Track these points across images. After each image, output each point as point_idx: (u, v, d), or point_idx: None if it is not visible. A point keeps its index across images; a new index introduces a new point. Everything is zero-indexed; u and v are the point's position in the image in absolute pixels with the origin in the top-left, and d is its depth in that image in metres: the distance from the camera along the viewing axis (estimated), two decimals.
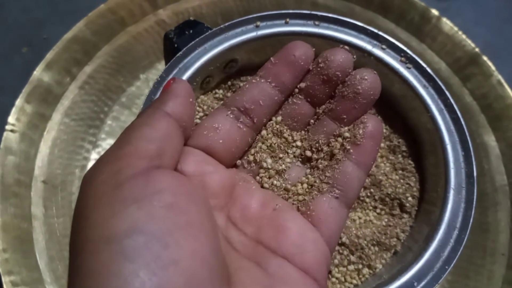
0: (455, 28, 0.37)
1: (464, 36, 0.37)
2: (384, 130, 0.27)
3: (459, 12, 0.43)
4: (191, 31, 0.26)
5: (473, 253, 0.32)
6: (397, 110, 0.27)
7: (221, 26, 0.25)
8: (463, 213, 0.22)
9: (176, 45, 0.25)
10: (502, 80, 0.35)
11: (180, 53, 0.24)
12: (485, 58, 0.36)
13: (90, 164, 0.34)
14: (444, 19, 0.37)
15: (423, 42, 0.37)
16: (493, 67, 0.36)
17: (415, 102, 0.25)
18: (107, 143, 0.34)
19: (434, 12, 0.37)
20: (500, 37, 0.42)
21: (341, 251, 0.23)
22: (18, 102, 0.33)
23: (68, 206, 0.32)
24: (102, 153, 0.33)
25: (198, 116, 0.26)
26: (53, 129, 0.33)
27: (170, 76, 0.24)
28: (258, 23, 0.25)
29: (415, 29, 0.37)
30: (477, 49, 0.36)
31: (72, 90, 0.34)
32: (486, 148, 0.35)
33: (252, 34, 0.25)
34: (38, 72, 0.33)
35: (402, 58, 0.25)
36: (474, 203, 0.22)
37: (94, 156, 0.34)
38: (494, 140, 0.35)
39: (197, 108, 0.26)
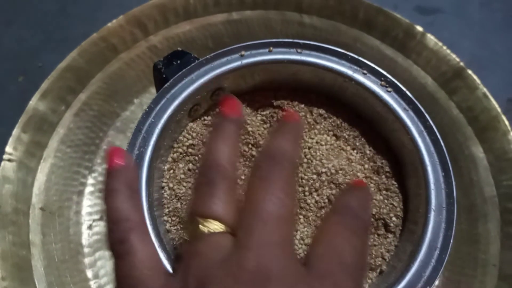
0: (440, 43, 0.37)
1: (448, 51, 0.37)
2: (368, 151, 0.28)
3: (444, 25, 0.44)
4: (178, 62, 0.27)
5: (465, 264, 0.33)
6: (379, 132, 0.28)
7: (207, 56, 0.26)
8: (443, 233, 0.23)
9: (164, 75, 0.26)
10: (487, 93, 0.36)
11: (167, 84, 0.25)
12: (469, 71, 0.37)
13: (87, 190, 0.34)
14: (429, 35, 0.38)
15: (408, 58, 0.38)
16: (478, 80, 0.36)
17: (396, 124, 0.26)
18: (103, 167, 0.35)
19: (418, 28, 0.38)
20: (486, 49, 0.43)
21: None
22: (15, 131, 0.33)
23: (65, 232, 0.33)
24: (99, 178, 0.34)
25: (187, 144, 0.27)
26: (49, 156, 0.34)
27: (158, 107, 0.25)
28: (243, 52, 0.26)
29: (400, 45, 0.38)
30: (461, 63, 0.37)
31: (67, 118, 0.35)
32: (474, 159, 0.35)
33: (237, 63, 0.26)
34: (33, 102, 0.34)
35: (382, 82, 0.26)
36: (454, 223, 0.23)
37: (90, 181, 0.35)
38: (481, 151, 0.35)
39: (186, 135, 0.27)
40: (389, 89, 0.26)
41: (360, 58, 0.26)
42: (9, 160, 0.33)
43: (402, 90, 0.26)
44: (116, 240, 0.18)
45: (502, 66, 0.42)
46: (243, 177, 0.27)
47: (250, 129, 0.27)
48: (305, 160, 0.26)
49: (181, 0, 0.38)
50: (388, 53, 0.38)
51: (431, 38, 0.38)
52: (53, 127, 0.35)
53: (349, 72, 0.26)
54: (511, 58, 0.43)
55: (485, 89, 0.36)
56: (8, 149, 0.33)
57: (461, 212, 0.34)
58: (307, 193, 0.26)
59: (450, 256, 0.32)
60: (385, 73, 0.26)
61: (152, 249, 0.18)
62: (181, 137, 0.27)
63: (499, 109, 0.35)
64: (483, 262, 0.33)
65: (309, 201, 0.25)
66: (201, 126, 0.28)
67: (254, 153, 0.27)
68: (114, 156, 0.20)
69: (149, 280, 0.17)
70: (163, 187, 0.27)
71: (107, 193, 0.19)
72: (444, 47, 0.37)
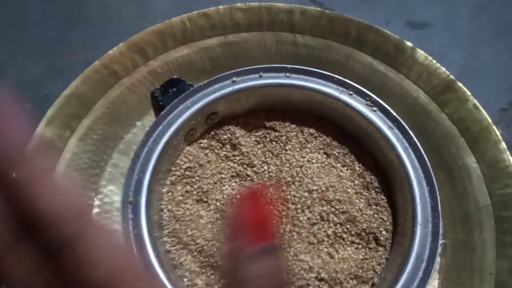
0: (430, 58, 0.38)
1: (438, 65, 0.38)
2: (358, 168, 0.29)
3: (435, 38, 0.45)
4: (174, 89, 0.28)
5: (461, 273, 0.33)
6: (367, 149, 0.29)
7: (201, 83, 0.27)
8: (429, 246, 0.24)
9: (161, 103, 0.28)
10: (478, 104, 0.37)
11: (164, 111, 0.26)
12: (460, 84, 0.37)
13: (94, 211, 0.36)
14: (418, 50, 0.39)
15: (400, 72, 0.39)
16: (468, 92, 0.37)
17: (382, 142, 0.27)
18: (108, 189, 0.36)
19: (408, 43, 0.39)
20: (476, 61, 0.44)
21: (321, 286, 0.25)
22: None
23: None
24: (105, 199, 0.35)
25: (184, 166, 0.28)
26: None
27: (156, 133, 0.26)
28: (234, 78, 0.28)
29: (391, 60, 0.39)
30: (451, 76, 0.38)
31: (72, 143, 0.37)
32: (467, 169, 0.36)
33: (230, 89, 0.27)
34: (40, 129, 0.36)
35: (368, 102, 0.27)
36: (440, 235, 0.24)
37: (96, 203, 0.36)
38: (474, 161, 0.36)
39: (183, 158, 0.29)
40: (375, 108, 0.27)
41: (346, 80, 0.27)
42: None
43: (387, 109, 0.27)
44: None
45: (493, 76, 0.43)
46: (238, 197, 0.28)
47: (244, 150, 0.29)
48: (297, 178, 0.28)
49: (178, 25, 0.40)
50: (380, 68, 0.39)
51: (421, 52, 0.39)
52: (59, 152, 0.36)
53: (336, 93, 0.27)
54: (501, 68, 0.44)
55: (475, 101, 0.37)
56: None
57: (456, 221, 0.35)
58: (299, 211, 0.27)
59: (447, 265, 0.34)
60: (370, 93, 0.27)
61: None
62: (178, 161, 0.29)
63: (489, 120, 0.36)
64: (479, 270, 0.33)
65: (301, 218, 0.26)
66: (198, 149, 0.29)
67: (249, 172, 0.28)
68: None
69: None
70: (162, 209, 0.28)
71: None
72: (434, 61, 0.38)
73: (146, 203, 0.25)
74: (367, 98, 0.27)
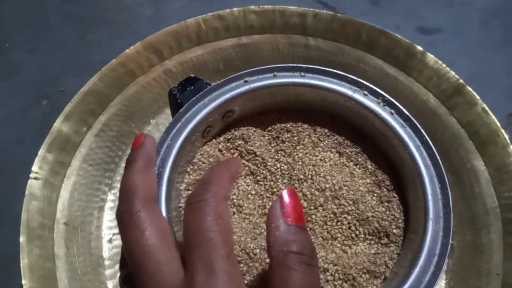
0: (439, 62, 0.39)
1: (448, 69, 0.39)
2: (370, 166, 0.30)
3: (444, 43, 0.46)
4: (191, 87, 0.29)
5: (469, 274, 0.34)
6: (380, 147, 0.30)
7: (218, 82, 0.28)
8: (441, 241, 0.24)
9: (179, 101, 0.28)
10: (487, 108, 0.37)
11: (182, 109, 0.27)
12: (469, 88, 0.38)
13: (107, 205, 0.37)
14: (429, 54, 0.39)
15: (410, 76, 0.40)
16: (477, 96, 0.38)
17: (394, 140, 0.27)
18: None
19: (419, 48, 0.39)
20: (484, 66, 0.45)
21: (334, 280, 0.26)
22: (41, 152, 0.36)
23: (87, 245, 0.35)
24: (118, 194, 0.36)
25: (201, 166, 0.29)
26: (72, 174, 0.36)
27: (175, 130, 0.27)
28: (250, 77, 0.29)
29: (401, 64, 0.40)
30: (461, 80, 0.38)
31: (88, 138, 0.38)
32: (476, 172, 0.37)
33: (246, 87, 0.28)
34: (57, 124, 0.37)
35: (379, 100, 0.28)
36: (451, 231, 0.24)
37: (110, 197, 0.37)
38: (483, 164, 0.37)
39: (200, 157, 0.29)
40: (387, 107, 0.28)
41: (360, 80, 0.28)
42: (35, 178, 0.35)
43: (399, 108, 0.28)
44: (123, 210, 0.22)
45: (501, 82, 0.44)
46: (253, 192, 0.29)
47: (257, 150, 0.29)
48: (309, 176, 0.28)
49: (193, 27, 0.41)
50: (390, 72, 0.40)
51: (431, 57, 0.39)
52: (75, 147, 0.37)
53: (349, 92, 0.28)
54: (509, 74, 0.44)
55: (484, 105, 0.37)
56: (35, 168, 0.35)
57: (464, 223, 0.35)
58: (312, 208, 0.27)
59: (455, 266, 0.34)
60: (383, 92, 0.28)
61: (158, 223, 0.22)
62: (195, 160, 0.29)
63: (498, 124, 0.36)
64: (486, 271, 0.33)
65: (314, 216, 0.27)
66: (214, 149, 0.30)
67: (262, 171, 0.29)
68: (135, 141, 0.26)
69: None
70: (180, 207, 0.28)
71: (126, 164, 0.24)
72: (444, 65, 0.39)
73: (166, 196, 0.25)
74: (380, 97, 0.28)
